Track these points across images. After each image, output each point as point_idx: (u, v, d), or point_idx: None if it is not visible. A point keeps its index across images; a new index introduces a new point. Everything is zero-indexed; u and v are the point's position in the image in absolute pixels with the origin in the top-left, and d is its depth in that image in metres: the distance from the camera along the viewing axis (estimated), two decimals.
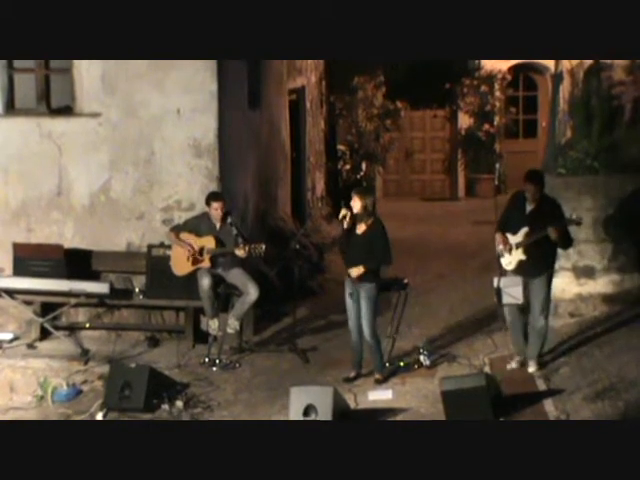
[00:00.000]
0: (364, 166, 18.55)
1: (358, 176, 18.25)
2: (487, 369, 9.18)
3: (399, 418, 8.32)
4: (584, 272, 10.05)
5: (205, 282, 10.20)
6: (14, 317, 11.07)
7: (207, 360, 10.17)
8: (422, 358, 9.53)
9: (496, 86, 19.25)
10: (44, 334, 10.84)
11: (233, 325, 10.22)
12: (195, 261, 10.26)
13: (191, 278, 10.32)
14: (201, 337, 10.72)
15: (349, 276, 9.16)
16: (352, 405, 8.69)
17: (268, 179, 13.28)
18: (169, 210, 11.02)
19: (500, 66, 19.07)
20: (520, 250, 8.83)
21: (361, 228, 9.14)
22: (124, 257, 11.08)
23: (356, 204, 9.09)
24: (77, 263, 10.94)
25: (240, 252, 9.96)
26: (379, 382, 9.25)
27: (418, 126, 20.19)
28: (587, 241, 9.98)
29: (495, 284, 8.81)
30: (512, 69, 19.34)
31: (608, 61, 11.63)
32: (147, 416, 8.99)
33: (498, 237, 8.97)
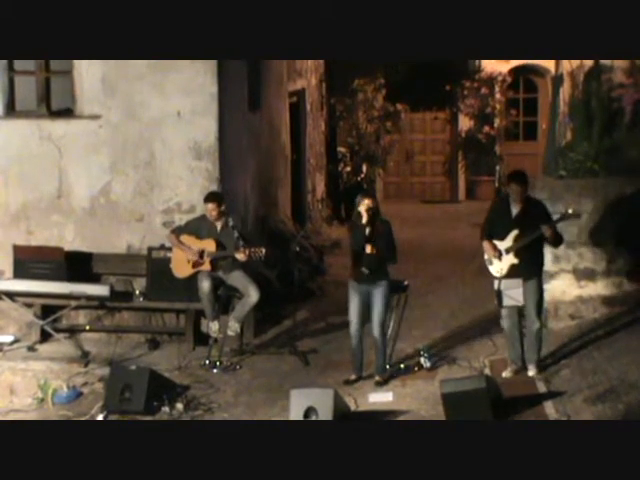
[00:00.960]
0: (364, 168, 18.56)
1: (358, 178, 18.26)
2: (487, 371, 9.17)
3: (399, 420, 8.29)
4: (584, 274, 10.05)
5: (205, 285, 10.20)
6: (14, 319, 11.07)
7: (207, 362, 10.17)
8: (422, 360, 9.52)
9: (496, 88, 19.28)
10: (44, 336, 10.84)
11: (233, 327, 10.21)
12: (195, 264, 10.26)
13: (191, 280, 10.32)
14: (201, 339, 10.71)
15: (355, 279, 9.17)
16: (352, 407, 8.67)
17: (268, 181, 13.28)
18: (169, 212, 11.02)
19: (500, 68, 19.09)
20: (511, 254, 8.78)
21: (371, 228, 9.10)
22: (124, 259, 11.08)
23: (366, 206, 9.08)
24: (77, 265, 10.94)
25: (240, 256, 9.97)
26: (379, 384, 9.23)
27: (418, 128, 20.17)
28: (587, 243, 9.98)
29: (495, 286, 8.79)
30: (512, 71, 19.35)
31: (608, 63, 11.63)
32: (147, 418, 8.97)
33: (486, 245, 8.91)
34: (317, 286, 12.64)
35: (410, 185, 20.36)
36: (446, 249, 14.89)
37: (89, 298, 10.66)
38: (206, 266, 10.24)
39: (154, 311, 11.04)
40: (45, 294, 10.73)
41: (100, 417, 9.00)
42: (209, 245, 10.22)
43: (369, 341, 9.35)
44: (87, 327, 11.04)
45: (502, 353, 9.50)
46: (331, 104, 17.72)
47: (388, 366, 9.46)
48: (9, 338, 10.92)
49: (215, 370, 10.08)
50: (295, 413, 8.09)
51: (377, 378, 9.29)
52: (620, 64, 11.64)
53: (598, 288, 10.05)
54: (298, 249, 11.21)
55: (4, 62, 11.21)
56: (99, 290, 10.68)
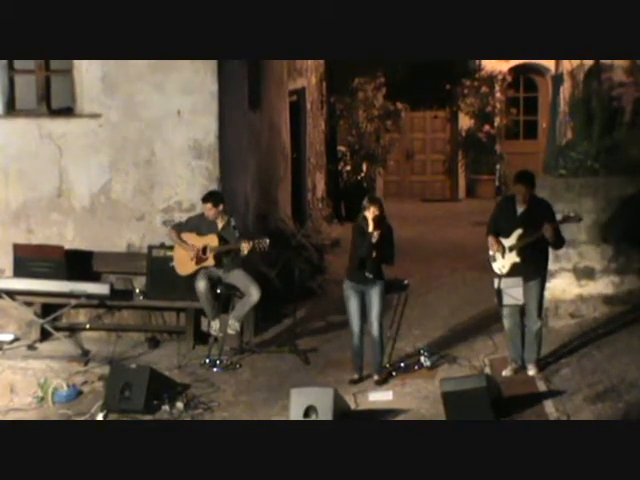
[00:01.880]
0: (364, 167, 18.56)
1: (358, 177, 18.26)
2: (487, 370, 9.17)
3: (399, 419, 8.31)
4: (585, 273, 10.05)
5: (201, 284, 10.15)
6: (14, 318, 11.06)
7: (208, 361, 10.17)
8: (422, 359, 9.53)
9: (496, 87, 19.28)
10: (44, 335, 10.84)
11: (234, 326, 10.20)
12: (199, 260, 10.23)
13: (192, 279, 10.28)
14: (201, 338, 10.72)
15: (352, 280, 9.17)
16: (352, 406, 8.68)
17: (268, 180, 13.27)
18: (169, 211, 11.02)
19: (500, 67, 19.09)
20: (514, 253, 8.79)
21: (376, 233, 9.10)
22: (124, 258, 11.07)
23: (373, 214, 9.08)
24: (77, 264, 10.93)
25: (245, 246, 9.88)
26: (379, 383, 9.24)
27: (418, 127, 20.18)
28: (587, 242, 9.98)
29: (496, 285, 8.78)
30: (512, 70, 19.35)
31: (608, 62, 11.65)
32: (147, 417, 8.98)
33: (491, 239, 8.92)
34: (317, 285, 12.63)
35: (410, 184, 20.35)
36: (446, 248, 14.88)
37: (89, 297, 10.65)
38: (210, 261, 10.21)
39: (154, 310, 11.03)
40: (45, 293, 10.72)
41: (100, 416, 9.00)
42: (212, 240, 10.19)
43: (367, 340, 9.35)
44: (87, 326, 11.03)
45: (502, 352, 9.50)
46: (331, 103, 17.71)
47: (388, 365, 9.47)
48: (9, 337, 10.92)
49: (215, 369, 10.08)
50: (295, 412, 8.10)
51: (376, 377, 9.29)
52: (620, 63, 11.68)
53: (598, 287, 10.05)
54: (296, 244, 11.20)
55: (4, 61, 11.20)
56: (99, 289, 10.68)
